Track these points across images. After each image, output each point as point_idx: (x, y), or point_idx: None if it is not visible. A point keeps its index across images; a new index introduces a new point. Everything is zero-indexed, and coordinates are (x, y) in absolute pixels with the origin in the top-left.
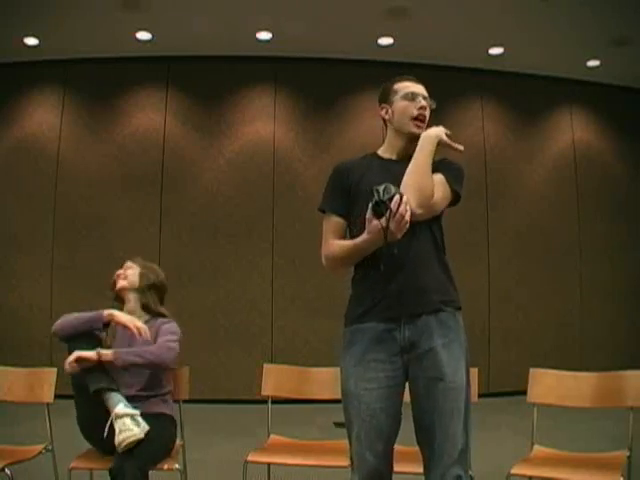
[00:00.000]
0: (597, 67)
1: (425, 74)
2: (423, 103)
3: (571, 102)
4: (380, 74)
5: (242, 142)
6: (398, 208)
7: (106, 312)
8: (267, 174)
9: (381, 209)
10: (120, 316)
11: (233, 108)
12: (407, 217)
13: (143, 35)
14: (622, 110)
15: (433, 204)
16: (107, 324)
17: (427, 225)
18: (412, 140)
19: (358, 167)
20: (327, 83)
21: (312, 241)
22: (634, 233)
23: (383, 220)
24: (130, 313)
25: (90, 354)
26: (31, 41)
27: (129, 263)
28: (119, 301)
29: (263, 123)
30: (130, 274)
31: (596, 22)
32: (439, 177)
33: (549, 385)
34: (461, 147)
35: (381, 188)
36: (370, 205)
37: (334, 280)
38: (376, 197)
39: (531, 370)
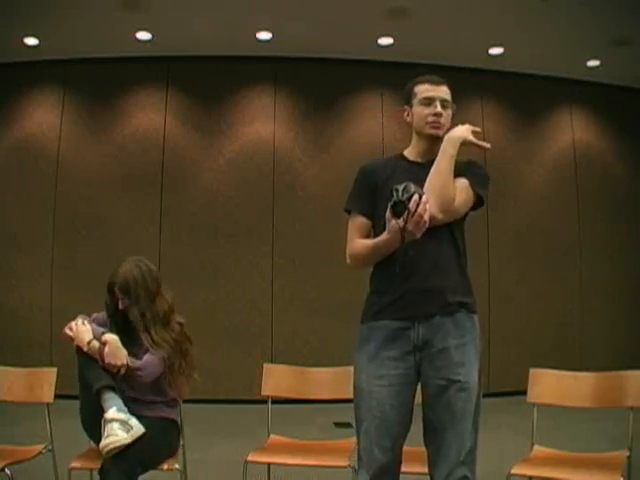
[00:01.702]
0: (597, 67)
1: (425, 74)
2: (439, 109)
3: (571, 102)
4: (380, 74)
5: (242, 142)
6: (417, 208)
7: (107, 337)
8: (267, 174)
9: (400, 209)
10: (108, 345)
11: (233, 108)
12: (426, 217)
13: (143, 35)
14: (622, 110)
15: (455, 208)
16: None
17: (448, 228)
18: (434, 142)
19: (384, 168)
20: (327, 83)
21: (312, 241)
22: (634, 233)
23: (401, 220)
24: None
25: (81, 340)
26: (31, 41)
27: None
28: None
29: (263, 123)
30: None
31: (596, 22)
32: (463, 181)
33: (549, 385)
34: (488, 145)
35: (400, 187)
36: (389, 205)
37: (334, 280)
38: (395, 197)
39: (531, 370)
